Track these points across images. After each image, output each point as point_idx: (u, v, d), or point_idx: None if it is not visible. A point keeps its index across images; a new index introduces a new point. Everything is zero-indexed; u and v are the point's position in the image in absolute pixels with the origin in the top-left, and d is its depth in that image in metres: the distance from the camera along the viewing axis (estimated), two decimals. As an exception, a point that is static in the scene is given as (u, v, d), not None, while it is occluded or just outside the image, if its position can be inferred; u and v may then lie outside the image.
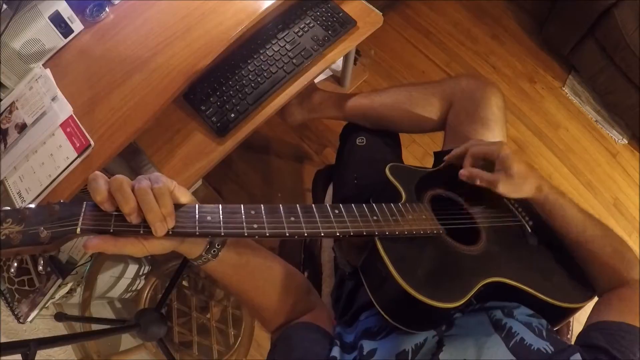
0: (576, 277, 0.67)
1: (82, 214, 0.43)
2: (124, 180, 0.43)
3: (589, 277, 0.67)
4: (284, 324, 0.63)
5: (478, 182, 0.65)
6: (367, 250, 0.58)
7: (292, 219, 0.50)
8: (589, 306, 0.65)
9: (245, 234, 0.47)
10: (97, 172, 0.44)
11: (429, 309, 0.52)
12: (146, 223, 0.43)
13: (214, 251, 0.53)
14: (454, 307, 0.54)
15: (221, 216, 0.47)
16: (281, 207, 0.51)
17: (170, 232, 0.44)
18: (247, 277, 0.59)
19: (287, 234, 0.49)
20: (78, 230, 0.42)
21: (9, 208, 0.41)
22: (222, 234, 0.46)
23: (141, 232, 0.43)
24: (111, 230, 0.43)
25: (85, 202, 0.44)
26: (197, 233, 0.46)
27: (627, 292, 0.63)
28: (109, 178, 0.44)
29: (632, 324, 0.56)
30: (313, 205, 0.53)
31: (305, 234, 0.50)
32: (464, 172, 0.67)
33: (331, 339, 0.59)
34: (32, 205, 0.43)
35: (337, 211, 0.54)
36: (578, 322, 0.66)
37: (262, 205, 0.50)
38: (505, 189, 0.64)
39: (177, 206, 0.46)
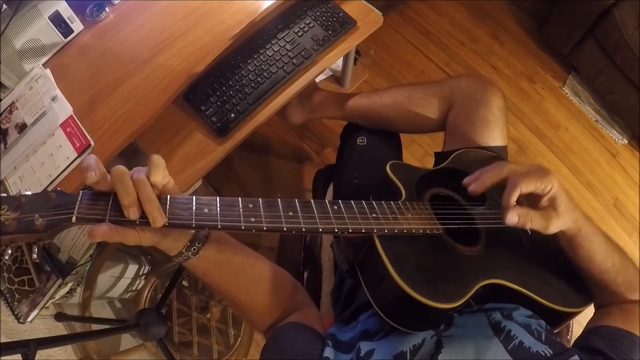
0: (575, 281, 0.66)
1: (78, 202, 0.42)
2: (125, 172, 0.43)
3: (592, 292, 0.66)
4: (274, 325, 0.63)
5: (529, 227, 0.55)
6: (365, 248, 0.57)
7: (291, 213, 0.50)
8: (589, 309, 0.65)
9: (242, 227, 0.47)
10: (91, 160, 0.43)
11: (426, 309, 0.52)
12: (142, 214, 0.43)
13: (194, 249, 0.52)
14: (452, 307, 0.53)
15: (218, 209, 0.47)
16: (279, 202, 0.51)
17: (167, 224, 0.44)
18: (229, 276, 0.58)
19: (285, 229, 0.49)
20: (73, 218, 0.41)
21: (4, 195, 0.41)
22: (219, 226, 0.46)
23: (137, 222, 0.43)
24: (107, 220, 0.42)
25: (81, 191, 0.44)
26: (194, 225, 0.45)
27: (629, 305, 0.63)
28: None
29: (632, 331, 0.56)
30: (312, 200, 0.53)
31: (303, 229, 0.50)
32: (512, 218, 0.54)
33: (322, 339, 0.58)
34: (29, 193, 0.43)
35: (336, 207, 0.54)
36: (578, 323, 0.66)
37: (260, 199, 0.50)
38: (555, 229, 0.56)
39: (174, 198, 0.46)
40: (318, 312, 0.69)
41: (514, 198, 0.54)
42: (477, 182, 0.58)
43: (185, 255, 0.52)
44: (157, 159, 0.45)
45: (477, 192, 0.58)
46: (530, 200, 0.57)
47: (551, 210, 0.55)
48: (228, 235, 0.59)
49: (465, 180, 0.60)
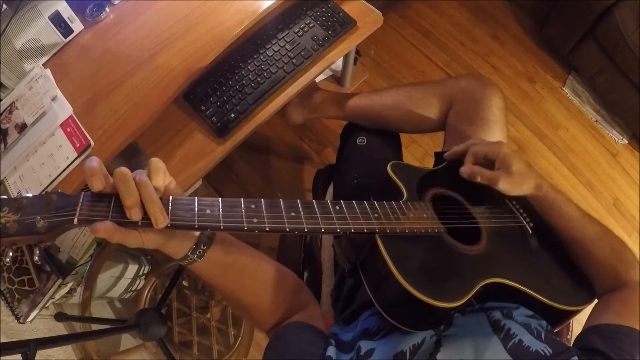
0: (576, 279, 0.66)
1: (79, 204, 0.42)
2: (128, 172, 0.43)
3: (589, 278, 0.67)
4: (277, 324, 0.63)
5: (479, 179, 0.66)
6: (367, 248, 0.57)
7: (293, 214, 0.50)
8: (589, 308, 0.65)
9: (245, 228, 0.47)
10: (94, 162, 0.43)
11: (428, 308, 0.52)
12: (145, 215, 0.43)
13: (200, 252, 0.52)
14: (454, 306, 0.54)
15: (220, 210, 0.47)
16: (282, 202, 0.51)
17: (169, 225, 0.44)
18: (234, 277, 0.58)
19: (287, 229, 0.49)
20: (75, 220, 0.41)
21: (6, 197, 0.41)
22: (222, 227, 0.46)
23: (139, 223, 0.43)
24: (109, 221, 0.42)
25: (82, 193, 0.44)
26: (196, 226, 0.45)
27: (627, 294, 0.63)
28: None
29: (632, 326, 0.56)
30: (314, 201, 0.53)
31: (306, 230, 0.50)
32: (464, 169, 0.67)
33: (326, 339, 0.58)
34: (30, 195, 0.42)
35: (338, 207, 0.54)
36: (578, 323, 0.66)
37: (262, 199, 0.50)
38: (505, 186, 0.65)
39: (177, 199, 0.46)
40: (321, 311, 0.69)
41: (469, 160, 0.68)
42: (449, 152, 0.73)
43: (191, 259, 0.52)
44: (156, 162, 0.45)
45: (449, 159, 0.74)
46: (490, 166, 0.67)
47: (502, 171, 0.65)
48: (232, 237, 0.59)
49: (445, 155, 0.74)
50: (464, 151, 0.71)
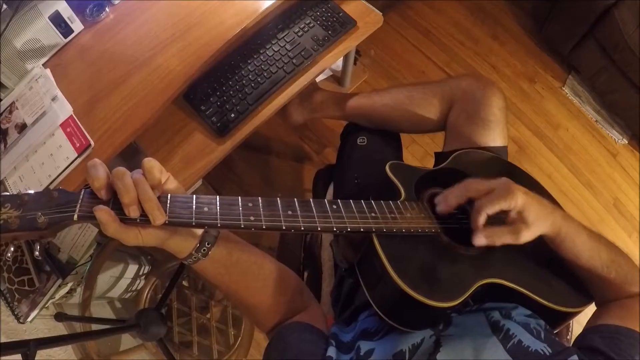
0: (575, 281, 0.66)
1: (79, 200, 0.43)
2: (126, 171, 0.44)
3: (590, 290, 0.66)
4: (278, 324, 0.63)
5: (499, 244, 0.57)
6: (364, 247, 0.58)
7: (290, 212, 0.51)
8: (589, 309, 0.65)
9: (242, 226, 0.47)
10: (97, 159, 0.44)
11: (424, 308, 0.52)
12: (144, 213, 0.44)
13: (204, 250, 0.53)
14: (450, 306, 0.54)
15: (218, 207, 0.48)
16: (279, 201, 0.51)
17: (167, 222, 0.45)
18: (238, 277, 0.59)
19: (284, 227, 0.49)
20: (75, 216, 0.42)
21: (8, 193, 0.42)
22: (219, 225, 0.47)
23: (138, 220, 0.44)
24: None
25: (83, 190, 0.44)
26: (194, 223, 0.46)
27: (628, 301, 0.63)
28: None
29: (632, 328, 0.56)
30: (311, 200, 0.53)
31: (302, 228, 0.50)
32: (480, 239, 0.57)
33: (326, 339, 0.58)
34: (31, 191, 0.43)
35: (335, 207, 0.54)
36: (578, 323, 0.66)
37: (259, 198, 0.51)
38: (527, 239, 0.57)
39: (175, 197, 0.47)
40: (322, 311, 0.69)
41: (481, 222, 0.57)
42: (444, 203, 0.60)
43: (195, 257, 0.53)
44: (149, 162, 0.46)
45: (445, 212, 0.61)
46: (501, 215, 0.58)
47: (520, 224, 0.57)
48: (235, 235, 0.59)
49: (436, 200, 0.62)
50: (461, 200, 0.60)
